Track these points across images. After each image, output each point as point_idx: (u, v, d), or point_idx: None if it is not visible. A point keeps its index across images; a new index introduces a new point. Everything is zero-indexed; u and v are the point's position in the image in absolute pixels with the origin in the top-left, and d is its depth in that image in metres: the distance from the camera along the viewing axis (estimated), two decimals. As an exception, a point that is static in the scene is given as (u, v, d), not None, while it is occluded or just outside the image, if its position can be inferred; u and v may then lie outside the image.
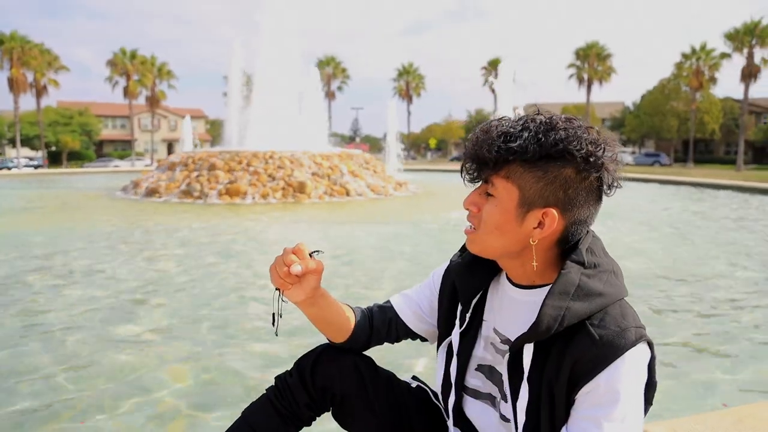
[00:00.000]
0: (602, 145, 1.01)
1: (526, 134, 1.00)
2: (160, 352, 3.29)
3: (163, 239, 7.64)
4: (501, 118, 1.06)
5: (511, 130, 1.01)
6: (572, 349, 1.01)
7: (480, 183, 1.09)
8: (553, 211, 1.01)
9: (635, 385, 0.99)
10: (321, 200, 13.22)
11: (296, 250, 1.12)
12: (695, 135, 45.35)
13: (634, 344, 0.98)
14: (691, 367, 3.10)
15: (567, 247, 1.08)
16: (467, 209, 1.10)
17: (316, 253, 1.16)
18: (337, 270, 5.48)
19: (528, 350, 1.06)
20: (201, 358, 3.19)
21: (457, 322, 1.24)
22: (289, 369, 1.34)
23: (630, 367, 0.98)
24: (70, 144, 47.05)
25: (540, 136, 0.99)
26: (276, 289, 1.16)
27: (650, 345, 1.02)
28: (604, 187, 1.04)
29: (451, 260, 1.28)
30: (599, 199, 1.05)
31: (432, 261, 5.81)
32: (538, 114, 1.04)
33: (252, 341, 3.44)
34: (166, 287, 4.84)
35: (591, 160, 1.00)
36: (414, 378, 1.46)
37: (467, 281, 1.22)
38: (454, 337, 1.24)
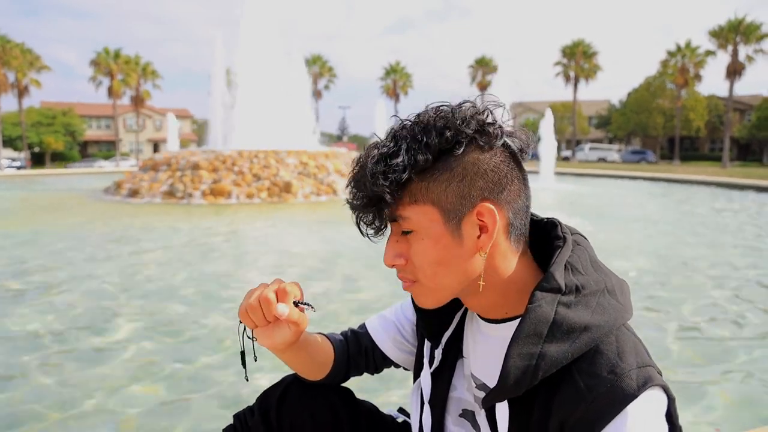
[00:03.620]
0: (487, 111, 0.84)
1: (404, 145, 0.82)
2: (129, 366, 3.07)
3: (140, 242, 7.38)
4: (365, 150, 0.86)
5: (385, 150, 0.83)
6: (558, 404, 0.77)
7: (387, 229, 0.88)
8: (487, 205, 0.82)
9: None
10: (307, 200, 12.99)
11: (280, 291, 0.90)
12: (681, 132, 45.58)
13: (637, 393, 0.73)
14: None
15: (522, 240, 0.86)
16: (393, 266, 0.88)
17: (306, 306, 0.94)
18: (322, 271, 5.29)
19: (502, 409, 0.84)
20: (174, 373, 2.98)
21: (426, 360, 1.03)
22: (250, 405, 1.14)
23: (637, 424, 0.73)
24: (53, 145, 46.41)
25: (420, 137, 0.81)
26: (240, 322, 0.94)
27: (664, 388, 0.77)
28: (517, 151, 0.85)
29: None
30: (520, 168, 0.86)
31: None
32: (402, 122, 0.86)
33: (232, 357, 3.24)
34: (140, 295, 4.60)
35: (488, 129, 0.82)
36: (401, 410, 1.27)
37: (432, 313, 1.00)
38: (424, 378, 1.02)
